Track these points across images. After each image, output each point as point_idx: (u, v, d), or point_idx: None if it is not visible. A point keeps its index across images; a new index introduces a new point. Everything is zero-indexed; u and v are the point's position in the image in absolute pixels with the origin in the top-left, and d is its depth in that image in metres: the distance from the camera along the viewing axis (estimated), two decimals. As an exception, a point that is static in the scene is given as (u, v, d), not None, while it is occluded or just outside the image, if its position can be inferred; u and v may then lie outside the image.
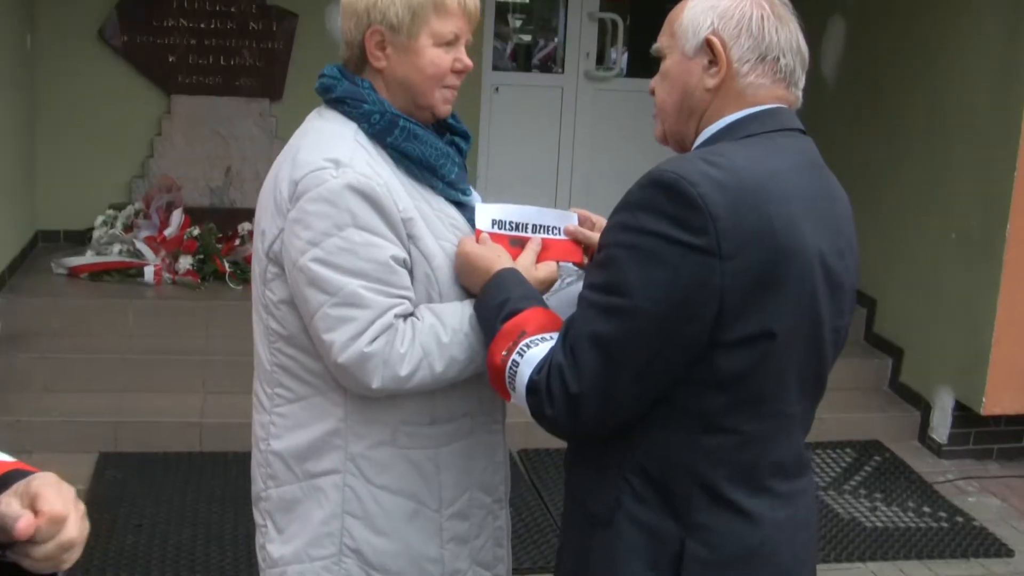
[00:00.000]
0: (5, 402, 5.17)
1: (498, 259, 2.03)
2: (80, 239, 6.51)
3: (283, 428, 2.13)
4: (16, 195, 6.28)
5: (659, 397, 1.75)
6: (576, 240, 2.17)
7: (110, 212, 6.49)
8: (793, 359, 1.77)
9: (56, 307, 5.75)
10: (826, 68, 6.82)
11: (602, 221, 2.18)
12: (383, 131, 2.06)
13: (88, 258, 6.15)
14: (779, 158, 1.79)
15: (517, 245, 2.14)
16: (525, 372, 1.81)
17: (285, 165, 2.05)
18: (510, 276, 2.00)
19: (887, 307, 6.26)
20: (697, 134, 1.89)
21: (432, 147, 2.09)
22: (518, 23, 8.47)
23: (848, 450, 5.67)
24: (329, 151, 2.00)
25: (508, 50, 8.22)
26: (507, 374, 1.85)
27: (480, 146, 7.55)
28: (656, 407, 1.76)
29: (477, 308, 2.02)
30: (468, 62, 2.12)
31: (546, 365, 1.79)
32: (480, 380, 2.05)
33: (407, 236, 2.01)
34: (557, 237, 2.17)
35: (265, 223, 2.07)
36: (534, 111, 7.75)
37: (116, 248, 6.19)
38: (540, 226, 2.18)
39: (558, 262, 2.14)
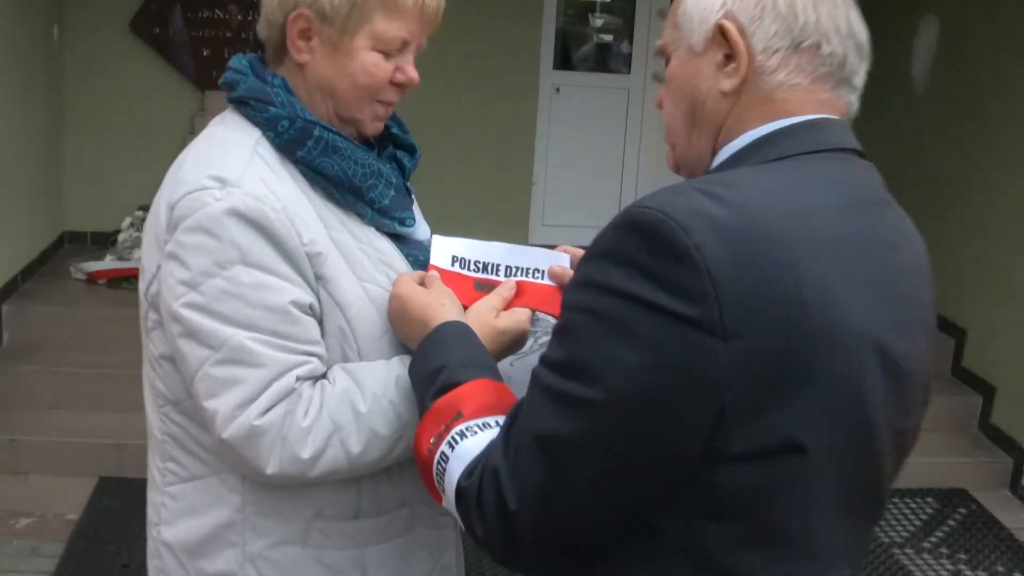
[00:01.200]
0: (5, 419, 4.84)
1: (441, 307, 1.55)
2: (106, 242, 6.17)
3: (174, 512, 1.70)
4: (39, 194, 5.99)
5: (631, 526, 1.23)
6: (559, 288, 1.66)
7: (138, 214, 6.14)
8: (831, 481, 1.24)
9: (68, 317, 5.39)
10: (916, 71, 6.19)
11: None
12: (292, 142, 1.60)
13: (107, 263, 5.79)
14: (814, 190, 1.26)
15: (483, 290, 1.67)
16: (455, 471, 1.33)
17: (167, 184, 1.59)
18: (454, 331, 1.51)
19: (978, 339, 5.67)
20: (713, 156, 1.38)
21: (358, 164, 1.63)
22: (599, 22, 7.90)
23: (929, 500, 5.09)
24: (216, 166, 1.54)
25: (587, 50, 7.65)
26: (435, 470, 1.36)
27: (538, 150, 7.07)
28: (629, 539, 1.25)
29: (411, 372, 1.54)
30: (413, 75, 1.65)
31: (479, 465, 1.30)
32: None
33: (315, 277, 1.55)
34: (539, 281, 1.68)
35: (145, 258, 1.61)
36: (598, 113, 7.29)
37: (137, 254, 5.80)
38: (518, 268, 1.69)
39: (533, 311, 1.63)
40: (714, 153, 1.37)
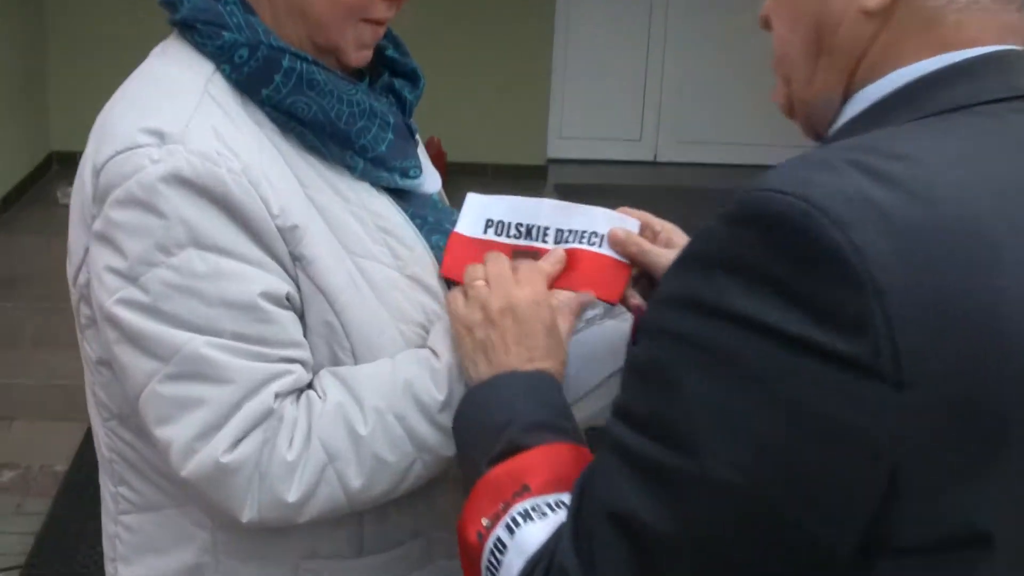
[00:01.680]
0: (-13, 359, 4.49)
1: (532, 347, 1.16)
2: (96, 163, 5.77)
3: (132, 548, 1.34)
4: (22, 113, 5.57)
5: None
6: (622, 260, 1.27)
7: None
8: None
9: (53, 247, 5.00)
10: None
11: (675, 234, 1.32)
12: (255, 78, 1.19)
13: (97, 187, 5.40)
14: (1017, 162, 0.86)
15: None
16: (514, 566, 0.95)
17: (92, 139, 1.21)
18: (534, 380, 1.13)
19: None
20: (846, 100, 0.99)
21: (343, 101, 1.23)
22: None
23: None
24: (153, 115, 1.16)
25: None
26: (485, 562, 0.99)
27: (555, 56, 6.59)
28: None
29: (458, 423, 1.16)
30: None
31: (543, 561, 0.92)
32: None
33: (292, 258, 1.17)
34: (596, 249, 1.27)
35: (72, 235, 1.24)
36: (619, 16, 6.78)
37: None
38: (571, 232, 1.29)
39: (577, 292, 1.25)
40: (846, 96, 0.98)
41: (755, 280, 0.79)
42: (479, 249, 1.27)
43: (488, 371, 1.13)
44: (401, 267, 1.24)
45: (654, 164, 7.04)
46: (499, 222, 1.30)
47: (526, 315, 1.15)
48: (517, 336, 1.14)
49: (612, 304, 1.26)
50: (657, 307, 0.89)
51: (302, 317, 1.19)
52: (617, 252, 1.26)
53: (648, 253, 1.25)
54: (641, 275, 1.28)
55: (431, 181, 1.35)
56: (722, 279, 0.81)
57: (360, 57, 1.26)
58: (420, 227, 1.29)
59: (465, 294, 1.18)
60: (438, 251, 1.29)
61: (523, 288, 1.16)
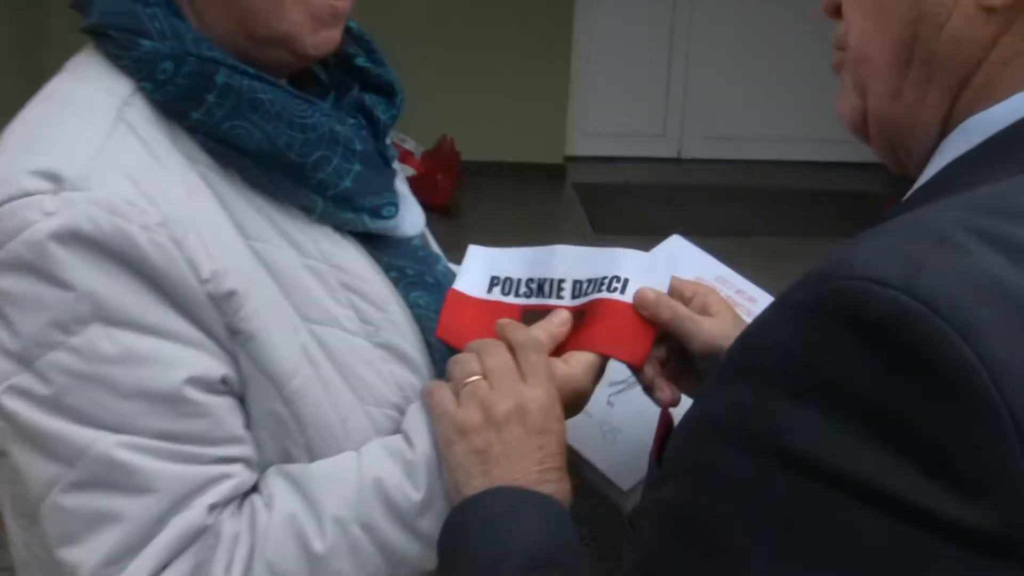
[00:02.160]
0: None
1: (519, 444, 0.94)
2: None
3: None
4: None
5: None
6: (647, 318, 1.04)
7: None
8: None
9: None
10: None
11: (710, 298, 1.09)
12: (183, 96, 0.95)
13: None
14: None
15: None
16: None
17: None
18: (540, 502, 0.91)
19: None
20: (947, 127, 0.74)
21: (295, 125, 0.98)
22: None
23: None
24: (49, 151, 0.92)
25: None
26: None
27: (576, 48, 6.32)
28: None
29: (443, 542, 0.93)
30: None
31: None
32: None
33: (228, 331, 0.93)
34: (616, 296, 1.04)
35: None
36: (642, 6, 6.54)
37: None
38: (590, 282, 1.07)
39: (597, 354, 1.02)
40: (949, 121, 0.73)
41: (843, 413, 0.55)
42: (483, 312, 1.06)
43: (483, 483, 0.90)
44: (371, 333, 1.01)
45: (678, 161, 6.78)
46: (507, 279, 1.09)
47: (538, 421, 0.93)
48: (525, 447, 0.91)
49: (637, 368, 1.02)
50: (700, 432, 0.65)
51: (244, 404, 0.95)
52: (645, 316, 1.02)
53: (683, 320, 1.02)
54: (669, 346, 1.06)
55: (411, 220, 1.11)
56: (794, 407, 0.56)
57: (322, 41, 1.00)
58: (396, 281, 1.05)
59: (455, 391, 0.95)
60: (419, 311, 1.05)
61: (534, 387, 0.95)
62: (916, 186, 0.74)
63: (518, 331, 0.98)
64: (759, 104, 6.54)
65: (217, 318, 0.91)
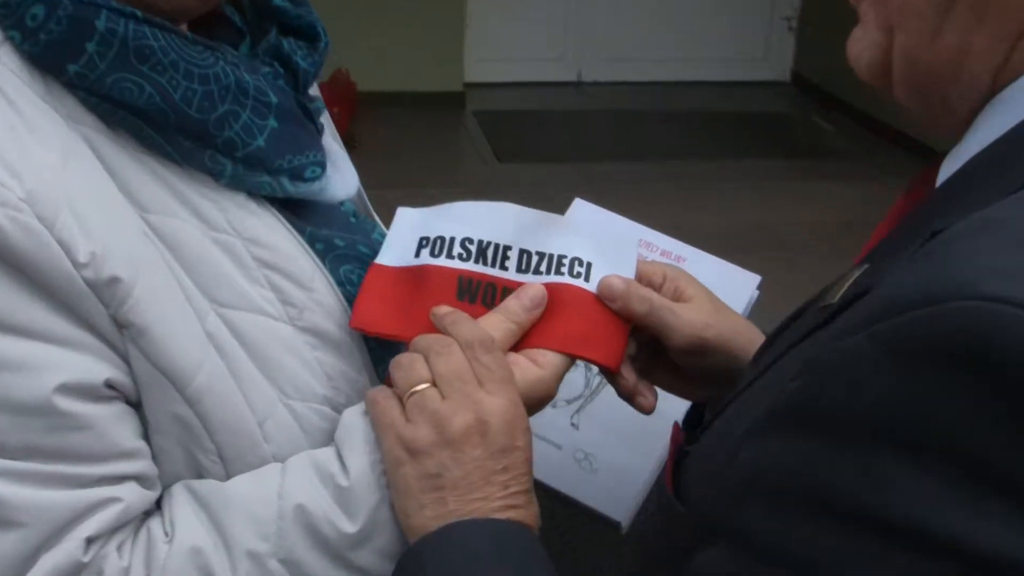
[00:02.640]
0: None
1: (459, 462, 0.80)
2: None
3: None
4: None
5: None
6: (617, 311, 0.89)
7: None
8: None
9: None
10: None
11: (682, 282, 0.94)
12: (57, 47, 0.80)
13: None
14: None
15: (468, 297, 0.89)
16: None
17: None
18: (510, 535, 0.78)
19: None
20: (999, 81, 0.62)
21: (192, 76, 0.83)
22: None
23: None
24: None
25: None
26: None
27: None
28: None
29: None
30: None
31: None
32: None
33: (115, 324, 0.78)
34: (579, 284, 0.88)
35: None
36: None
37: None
38: (541, 256, 0.90)
39: (566, 355, 0.86)
40: (1000, 73, 0.61)
41: (969, 471, 0.43)
42: (407, 285, 0.89)
43: (437, 514, 0.77)
44: (294, 317, 0.87)
45: (579, 84, 6.63)
46: (438, 239, 0.91)
47: (500, 437, 0.78)
48: (487, 469, 0.78)
49: (613, 371, 0.88)
50: (752, 491, 0.53)
51: (138, 409, 0.81)
52: (615, 308, 0.88)
53: (660, 312, 0.89)
54: (638, 339, 0.92)
55: (341, 183, 0.95)
56: (897, 464, 0.44)
57: None
58: (323, 254, 0.91)
59: (401, 401, 0.81)
60: (350, 290, 0.91)
61: (494, 394, 0.80)
62: (962, 156, 0.62)
63: (462, 324, 0.83)
64: (659, 24, 6.42)
65: (100, 310, 0.76)
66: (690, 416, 0.98)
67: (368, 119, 5.59)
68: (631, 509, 0.95)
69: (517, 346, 0.85)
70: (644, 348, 0.92)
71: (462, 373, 0.79)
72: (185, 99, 0.81)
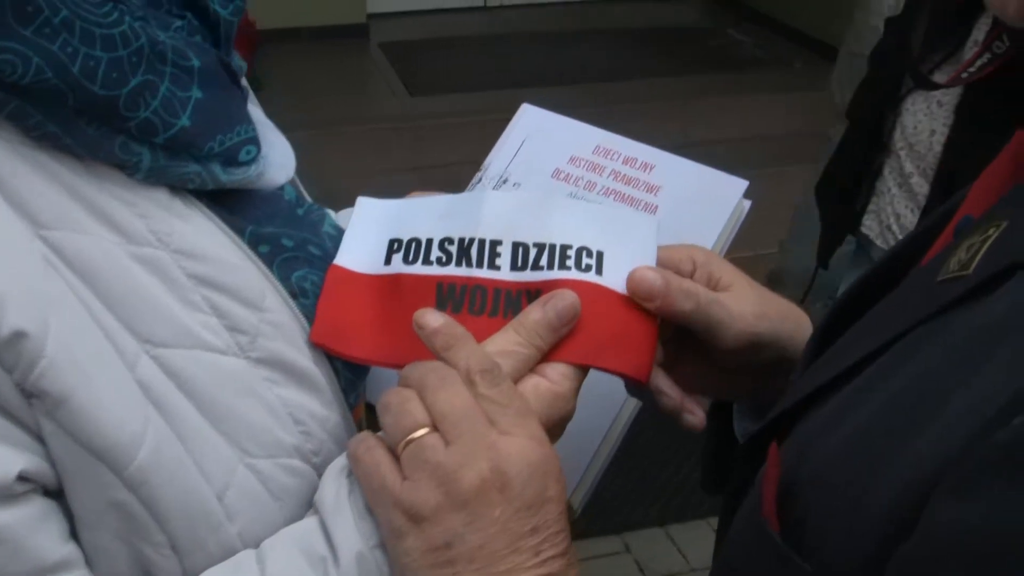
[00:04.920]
0: None
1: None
2: None
3: None
4: None
5: None
6: (656, 310, 0.72)
7: None
8: None
9: None
10: None
11: (716, 267, 0.77)
12: None
13: None
14: None
15: (452, 305, 0.72)
16: None
17: None
18: None
19: None
20: None
21: (92, 39, 0.62)
22: None
23: None
24: None
25: None
26: None
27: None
28: None
29: None
30: None
31: None
32: None
33: (25, 394, 0.59)
34: (589, 279, 0.71)
35: None
36: None
37: None
38: (540, 247, 0.72)
39: (584, 367, 0.69)
40: None
41: None
42: (379, 296, 0.73)
43: None
44: (245, 347, 0.69)
45: (485, 9, 6.38)
46: (412, 241, 0.74)
47: (527, 489, 0.61)
48: (512, 532, 0.60)
49: (643, 384, 0.71)
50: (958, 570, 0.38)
51: (62, 495, 0.61)
52: (652, 307, 0.70)
53: (709, 306, 0.72)
54: (677, 341, 0.76)
55: (280, 162, 0.76)
56: None
57: None
58: (269, 259, 0.72)
59: (396, 452, 0.63)
60: (306, 303, 0.73)
61: (511, 433, 0.62)
62: None
63: (458, 347, 0.65)
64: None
65: (2, 378, 0.57)
66: (717, 412, 0.83)
67: (269, 58, 5.30)
68: (582, 490, 0.80)
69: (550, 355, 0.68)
70: (687, 350, 0.75)
71: (469, 410, 0.62)
72: (86, 71, 0.61)
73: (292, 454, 0.69)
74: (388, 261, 0.74)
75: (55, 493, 0.62)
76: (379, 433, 0.65)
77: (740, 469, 0.66)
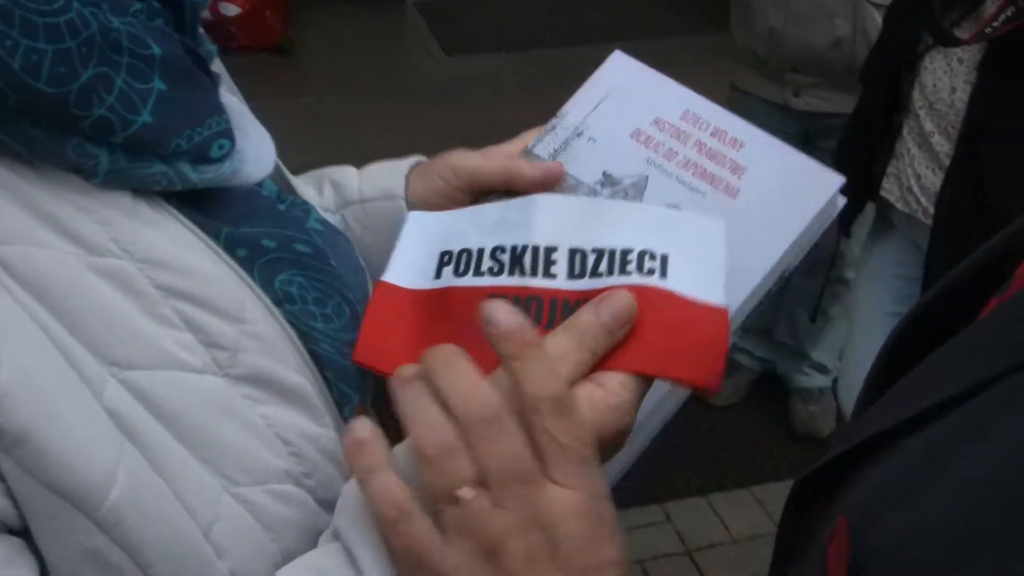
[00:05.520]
0: None
1: None
2: None
3: None
4: None
5: None
6: (714, 304, 0.62)
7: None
8: None
9: None
10: None
11: None
12: None
13: None
14: None
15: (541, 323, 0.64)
16: None
17: None
18: None
19: None
20: None
21: (33, 29, 0.53)
22: None
23: None
24: None
25: None
26: None
27: None
28: None
29: None
30: None
31: None
32: None
33: None
34: (653, 283, 0.62)
35: None
36: None
37: None
38: (599, 252, 0.65)
39: (639, 375, 0.60)
40: None
41: None
42: (426, 313, 0.67)
43: None
44: (225, 364, 0.61)
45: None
46: (463, 252, 0.68)
47: (577, 554, 0.52)
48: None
49: (711, 393, 0.62)
50: None
51: (31, 535, 0.54)
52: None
53: None
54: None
55: (256, 156, 0.68)
56: None
57: None
58: (248, 263, 0.64)
59: (436, 512, 0.53)
60: (292, 309, 0.66)
61: (567, 484, 0.53)
62: None
63: (532, 364, 0.54)
64: None
65: None
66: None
67: (303, 22, 5.23)
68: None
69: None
70: None
71: (522, 464, 0.52)
72: (28, 66, 0.53)
73: (283, 479, 0.61)
74: (439, 275, 0.68)
75: (20, 533, 0.54)
76: (410, 483, 0.55)
77: (791, 513, 0.57)
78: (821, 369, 2.90)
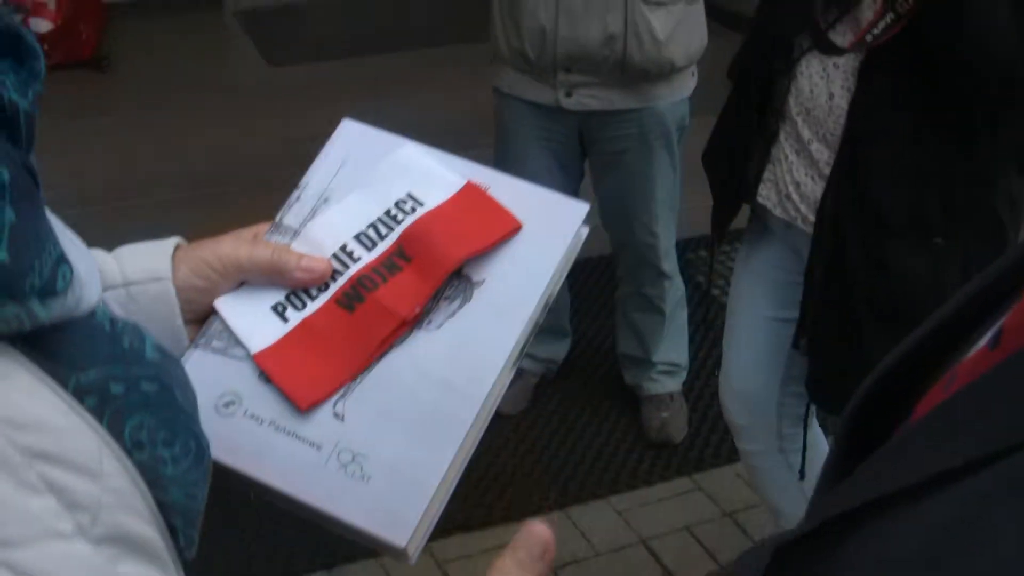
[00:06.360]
0: None
1: None
2: None
3: None
4: None
5: None
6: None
7: None
8: None
9: None
10: None
11: None
12: None
13: None
14: None
15: (374, 288, 0.79)
16: None
17: None
18: None
19: None
20: None
21: None
22: None
23: None
24: None
25: None
26: None
27: None
28: None
29: None
30: None
31: None
32: None
33: None
34: (420, 214, 0.83)
35: None
36: None
37: None
38: (377, 222, 0.83)
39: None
40: None
41: None
42: (312, 340, 0.78)
43: None
44: (86, 526, 0.55)
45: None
46: (289, 294, 0.81)
47: None
48: None
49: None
50: None
51: None
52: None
53: None
54: None
55: (87, 275, 0.61)
56: None
57: None
58: (98, 412, 0.58)
59: None
60: (142, 457, 0.61)
61: None
62: None
63: None
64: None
65: None
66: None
67: (118, 33, 5.11)
68: (419, 528, 0.70)
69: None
70: None
71: None
72: None
73: None
74: (285, 320, 0.78)
75: None
76: None
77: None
78: (670, 371, 2.93)
